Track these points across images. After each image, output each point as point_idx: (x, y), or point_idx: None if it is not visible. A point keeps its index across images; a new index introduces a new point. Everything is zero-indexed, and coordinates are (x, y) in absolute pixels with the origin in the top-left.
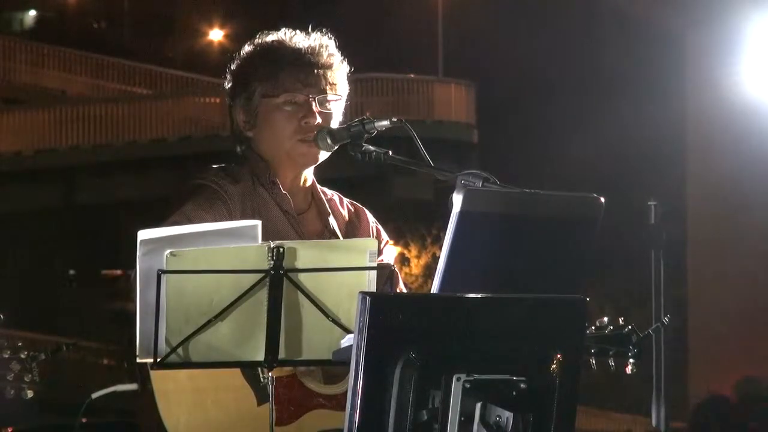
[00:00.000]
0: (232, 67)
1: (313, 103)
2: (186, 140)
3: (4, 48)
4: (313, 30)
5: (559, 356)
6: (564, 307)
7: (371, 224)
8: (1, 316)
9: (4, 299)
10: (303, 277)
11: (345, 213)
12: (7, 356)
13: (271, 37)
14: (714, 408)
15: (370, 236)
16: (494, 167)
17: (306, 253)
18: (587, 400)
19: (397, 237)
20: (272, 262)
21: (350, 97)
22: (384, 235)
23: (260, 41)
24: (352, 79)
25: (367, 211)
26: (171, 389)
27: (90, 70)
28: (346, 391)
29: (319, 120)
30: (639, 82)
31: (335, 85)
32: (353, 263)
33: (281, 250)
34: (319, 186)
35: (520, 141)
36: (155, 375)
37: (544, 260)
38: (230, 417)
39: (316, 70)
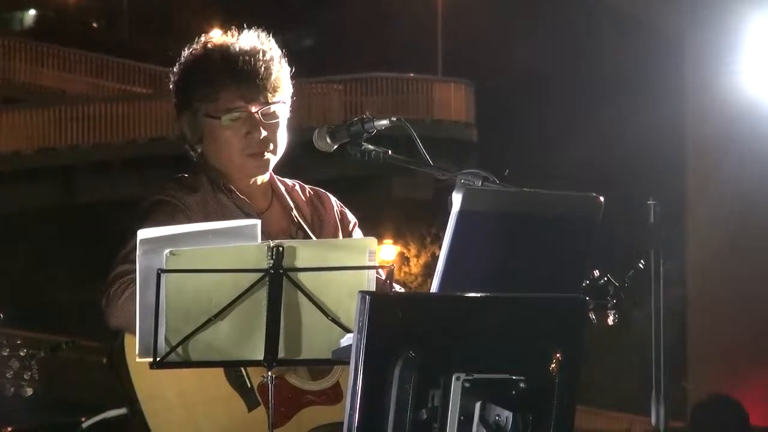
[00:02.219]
0: (173, 78)
1: (258, 117)
2: None
3: (4, 47)
4: (240, 30)
5: (558, 355)
6: (563, 306)
7: (336, 207)
8: (1, 315)
9: (4, 298)
10: (302, 277)
11: (308, 201)
12: (6, 354)
13: (209, 45)
14: (716, 408)
15: (335, 220)
16: (493, 166)
17: (305, 253)
18: (587, 399)
19: (397, 236)
20: (272, 262)
21: (350, 96)
22: (350, 217)
23: (196, 52)
24: (353, 79)
25: (330, 196)
26: (160, 409)
27: (89, 70)
28: (334, 385)
29: (264, 133)
30: (638, 82)
31: (277, 90)
32: (353, 262)
33: (281, 249)
34: (278, 178)
35: (519, 140)
36: (143, 396)
37: (544, 259)
38: (223, 427)
39: (256, 81)
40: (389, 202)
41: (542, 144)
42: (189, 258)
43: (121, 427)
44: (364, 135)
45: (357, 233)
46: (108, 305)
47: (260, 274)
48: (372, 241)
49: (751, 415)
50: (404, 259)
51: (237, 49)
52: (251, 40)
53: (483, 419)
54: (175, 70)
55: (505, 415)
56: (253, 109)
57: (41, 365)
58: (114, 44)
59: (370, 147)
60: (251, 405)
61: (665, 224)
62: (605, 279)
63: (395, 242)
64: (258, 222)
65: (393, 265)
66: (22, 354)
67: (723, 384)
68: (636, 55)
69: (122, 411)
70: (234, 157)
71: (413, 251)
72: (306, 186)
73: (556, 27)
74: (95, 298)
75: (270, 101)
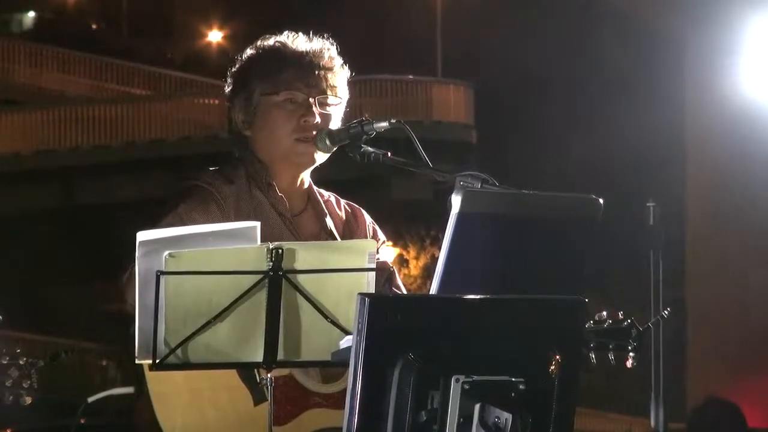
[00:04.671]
0: (233, 69)
1: (313, 103)
2: (185, 141)
3: (3, 49)
4: (313, 34)
5: (558, 357)
6: (563, 308)
7: (368, 224)
8: (1, 318)
9: (4, 299)
10: (302, 279)
11: (342, 214)
12: (5, 362)
13: (273, 39)
14: (713, 411)
15: (367, 236)
16: (493, 168)
17: (305, 255)
18: (586, 402)
19: (396, 238)
20: (271, 264)
21: (349, 98)
22: (381, 235)
23: (262, 44)
24: (352, 80)
25: (364, 212)
26: (167, 391)
27: (89, 71)
28: (344, 390)
29: (318, 120)
30: (638, 83)
31: (335, 87)
32: (352, 264)
33: (280, 251)
34: (315, 188)
35: (518, 142)
36: (151, 377)
37: (543, 261)
38: (227, 418)
39: (317, 71)
40: (388, 203)
41: (541, 145)
42: (188, 260)
43: (125, 404)
44: (364, 137)
45: (384, 251)
46: (128, 278)
47: (260, 276)
48: (371, 243)
49: (748, 418)
50: (403, 261)
51: (304, 41)
52: (319, 40)
53: (482, 421)
54: (236, 63)
55: (505, 417)
56: (311, 95)
57: (41, 372)
58: (113, 46)
59: (370, 149)
60: (258, 399)
61: (664, 225)
62: (629, 321)
63: (394, 244)
64: (257, 224)
65: (393, 267)
66: (21, 362)
67: (721, 386)
68: (636, 55)
69: (128, 390)
70: (283, 139)
71: (412, 253)
72: (342, 200)
73: (555, 28)
74: (95, 301)
75: (328, 94)
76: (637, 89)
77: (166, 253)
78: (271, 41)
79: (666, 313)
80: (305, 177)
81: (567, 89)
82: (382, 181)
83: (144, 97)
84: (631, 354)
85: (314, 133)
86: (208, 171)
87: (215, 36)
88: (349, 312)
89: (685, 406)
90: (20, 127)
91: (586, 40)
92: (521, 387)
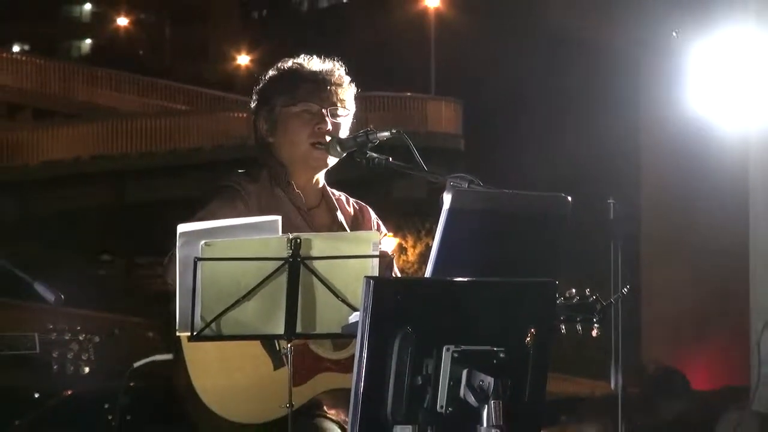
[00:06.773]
0: (257, 87)
1: (326, 114)
2: (218, 149)
3: (65, 71)
4: (325, 57)
5: (533, 330)
6: (537, 289)
7: (373, 219)
8: (62, 297)
9: (65, 283)
10: (317, 264)
11: (351, 210)
12: (67, 338)
13: (291, 61)
14: (663, 376)
15: (372, 229)
16: (478, 171)
17: (319, 244)
18: (557, 368)
19: (396, 230)
20: (291, 251)
21: (356, 112)
22: (383, 229)
23: (282, 65)
24: (358, 96)
25: (369, 209)
26: (200, 358)
27: (137, 90)
28: (351, 356)
29: (330, 127)
30: (600, 99)
31: (344, 101)
32: (359, 252)
33: (298, 241)
34: (328, 188)
35: (499, 148)
36: (187, 346)
37: (521, 250)
38: (250, 380)
39: (329, 87)
40: (389, 201)
41: (519, 152)
42: (221, 248)
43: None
44: (369, 145)
45: (386, 242)
46: (168, 263)
47: (281, 262)
48: (375, 234)
49: (692, 381)
50: (402, 250)
51: (317, 62)
52: (330, 61)
53: (469, 384)
54: (260, 83)
55: (488, 381)
56: (324, 106)
57: (96, 347)
58: (158, 68)
59: (374, 155)
60: (277, 364)
61: (622, 220)
62: (594, 297)
63: (395, 235)
64: (278, 218)
65: (393, 255)
66: (81, 338)
67: (669, 355)
68: (598, 75)
69: (168, 356)
70: (301, 144)
71: (410, 242)
72: (351, 198)
73: (530, 52)
74: (142, 282)
75: (338, 106)
76: (600, 104)
77: (203, 242)
78: (289, 63)
79: (625, 290)
80: (319, 177)
81: (540, 104)
82: (384, 182)
83: (184, 111)
84: (595, 325)
85: (327, 138)
86: (236, 173)
87: (244, 60)
88: (357, 292)
89: (640, 372)
90: (79, 136)
91: (555, 62)
92: (502, 355)
